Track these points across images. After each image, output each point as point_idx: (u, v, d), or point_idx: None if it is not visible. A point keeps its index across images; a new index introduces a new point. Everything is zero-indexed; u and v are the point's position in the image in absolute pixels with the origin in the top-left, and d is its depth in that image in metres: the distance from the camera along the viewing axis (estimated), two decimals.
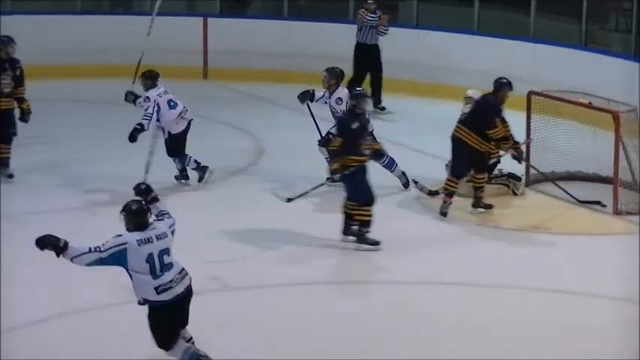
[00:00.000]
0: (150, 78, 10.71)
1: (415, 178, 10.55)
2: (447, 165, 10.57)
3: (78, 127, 12.83)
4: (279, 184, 10.75)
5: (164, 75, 15.07)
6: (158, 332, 6.62)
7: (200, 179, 10.86)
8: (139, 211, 6.57)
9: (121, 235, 6.47)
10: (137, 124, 10.53)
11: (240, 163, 11.59)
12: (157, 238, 6.50)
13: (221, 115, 13.64)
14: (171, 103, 10.69)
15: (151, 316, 6.60)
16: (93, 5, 16.98)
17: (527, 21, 14.30)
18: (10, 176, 10.78)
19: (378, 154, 9.17)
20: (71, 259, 6.35)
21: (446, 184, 10.02)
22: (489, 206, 10.13)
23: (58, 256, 6.34)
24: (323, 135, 10.67)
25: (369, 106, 9.27)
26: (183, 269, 6.62)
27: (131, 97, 10.92)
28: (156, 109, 10.56)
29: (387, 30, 13.71)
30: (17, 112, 10.82)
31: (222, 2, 16.45)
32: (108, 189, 10.56)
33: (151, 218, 6.68)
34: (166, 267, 6.51)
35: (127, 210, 6.57)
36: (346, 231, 9.19)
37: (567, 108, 10.82)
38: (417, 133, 12.53)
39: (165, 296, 6.51)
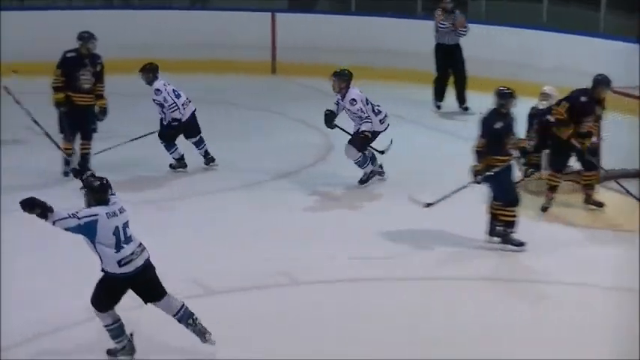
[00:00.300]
0: (151, 71, 10.82)
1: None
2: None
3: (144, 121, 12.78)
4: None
5: (232, 70, 15.43)
6: (101, 293, 6.70)
7: (172, 165, 10.99)
8: (101, 187, 6.64)
9: (90, 208, 6.58)
10: (172, 121, 10.77)
11: (309, 159, 11.64)
12: (119, 211, 6.63)
13: (290, 110, 13.75)
14: (176, 92, 10.85)
15: (106, 280, 6.67)
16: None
17: (596, 17, 14.25)
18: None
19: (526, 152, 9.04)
20: (54, 222, 6.44)
21: (548, 179, 9.96)
22: (600, 204, 10.03)
23: (43, 217, 6.41)
24: (352, 134, 10.66)
25: (515, 105, 9.08)
26: (141, 243, 6.73)
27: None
28: (173, 95, 10.75)
29: (465, 30, 13.59)
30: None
31: None
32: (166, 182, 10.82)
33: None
34: (127, 240, 6.63)
35: (88, 186, 6.65)
36: (492, 232, 9.04)
37: (638, 104, 10.79)
38: None
39: (126, 269, 6.61)
